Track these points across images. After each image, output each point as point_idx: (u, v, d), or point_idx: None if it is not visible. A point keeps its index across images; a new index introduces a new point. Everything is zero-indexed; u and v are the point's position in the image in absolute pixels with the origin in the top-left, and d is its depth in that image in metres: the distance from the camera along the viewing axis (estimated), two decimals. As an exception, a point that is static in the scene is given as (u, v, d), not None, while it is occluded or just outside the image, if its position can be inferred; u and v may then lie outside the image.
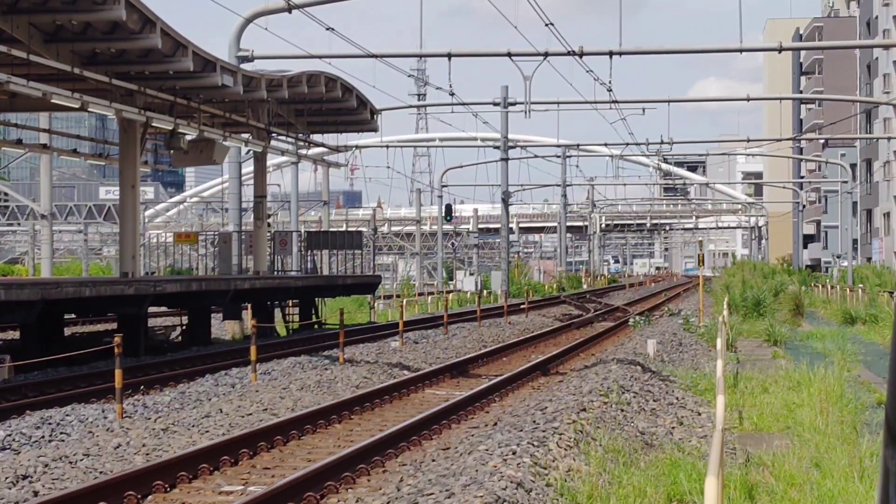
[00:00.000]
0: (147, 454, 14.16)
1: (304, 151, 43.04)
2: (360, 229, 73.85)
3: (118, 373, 17.40)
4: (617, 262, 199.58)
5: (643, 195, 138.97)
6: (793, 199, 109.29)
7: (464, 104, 46.36)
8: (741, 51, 37.23)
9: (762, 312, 38.63)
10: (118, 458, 13.84)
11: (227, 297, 32.55)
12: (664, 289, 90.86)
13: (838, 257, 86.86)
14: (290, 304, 40.25)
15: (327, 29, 30.25)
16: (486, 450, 12.83)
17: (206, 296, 31.36)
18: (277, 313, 39.44)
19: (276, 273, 42.51)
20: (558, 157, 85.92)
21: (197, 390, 20.88)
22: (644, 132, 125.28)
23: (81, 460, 13.60)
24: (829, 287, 59.21)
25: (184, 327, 33.53)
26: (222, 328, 37.96)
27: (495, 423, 16.12)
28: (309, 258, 45.31)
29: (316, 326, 39.80)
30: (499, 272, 66.40)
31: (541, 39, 35.40)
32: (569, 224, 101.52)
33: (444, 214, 79.59)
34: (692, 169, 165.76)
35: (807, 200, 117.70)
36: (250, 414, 17.54)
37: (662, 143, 60.31)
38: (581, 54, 34.97)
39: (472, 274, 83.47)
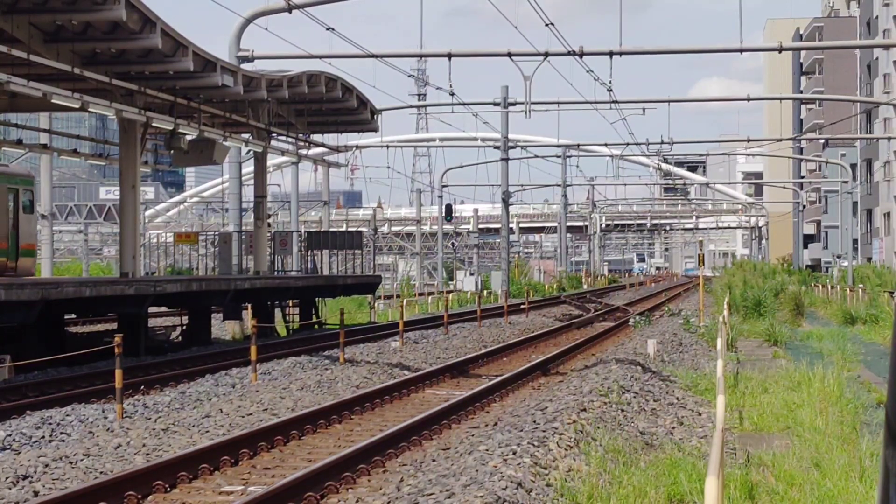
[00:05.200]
0: (147, 454, 14.16)
1: (304, 151, 43.04)
2: (360, 229, 73.84)
3: (118, 373, 17.40)
4: (642, 260, 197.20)
5: (643, 195, 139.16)
6: (793, 199, 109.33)
7: (464, 104, 46.36)
8: (741, 51, 37.25)
9: (762, 312, 38.61)
10: (118, 458, 13.84)
11: (227, 297, 32.55)
12: (664, 289, 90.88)
13: (838, 257, 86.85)
14: (291, 304, 40.24)
15: (327, 29, 30.26)
16: (487, 450, 12.83)
17: (206, 296, 31.36)
18: (277, 313, 39.44)
19: (276, 273, 42.51)
20: (558, 157, 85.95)
21: (197, 390, 20.87)
22: (644, 132, 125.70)
23: (82, 460, 13.60)
24: (829, 287, 59.20)
25: (184, 327, 33.53)
26: (222, 328, 37.96)
27: (495, 423, 16.13)
28: (309, 258, 45.30)
29: (316, 326, 39.80)
30: (499, 272, 66.42)
31: (541, 39, 35.43)
32: (569, 224, 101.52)
33: (444, 214, 79.60)
34: (692, 169, 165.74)
35: (807, 200, 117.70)
36: (250, 414, 17.54)
37: (662, 143, 60.32)
38: (581, 54, 34.98)
39: (472, 274, 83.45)
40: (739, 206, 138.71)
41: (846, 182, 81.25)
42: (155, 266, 56.96)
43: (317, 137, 42.41)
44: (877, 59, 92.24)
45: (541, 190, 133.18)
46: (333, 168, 61.21)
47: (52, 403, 18.84)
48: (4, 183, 31.66)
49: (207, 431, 15.89)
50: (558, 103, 50.65)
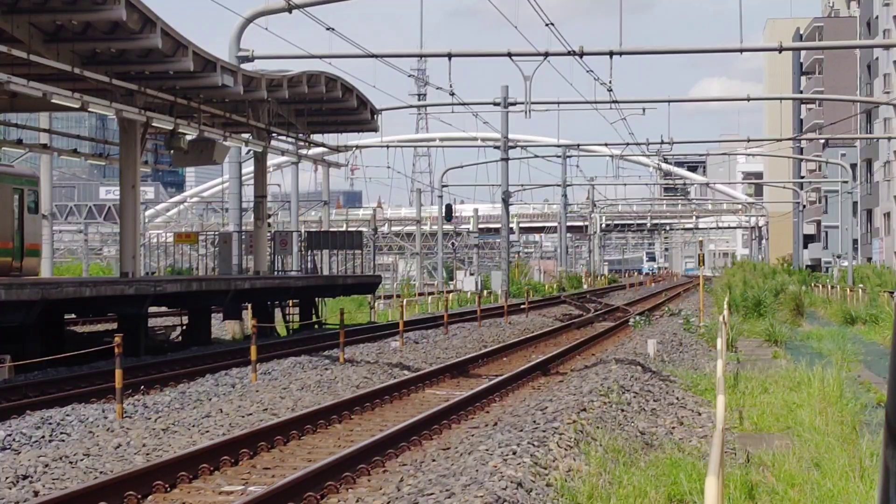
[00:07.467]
0: (147, 454, 14.16)
1: (304, 151, 43.04)
2: (360, 229, 73.82)
3: (118, 373, 17.40)
4: (652, 259, 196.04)
5: (643, 195, 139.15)
6: (793, 199, 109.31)
7: (464, 104, 46.33)
8: (741, 51, 37.27)
9: (762, 312, 38.61)
10: (118, 458, 13.84)
11: (227, 297, 32.55)
12: (664, 289, 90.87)
13: (838, 257, 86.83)
14: (291, 304, 40.24)
15: (327, 29, 30.25)
16: (487, 450, 12.83)
17: (206, 296, 31.36)
18: (277, 313, 39.44)
19: (276, 273, 42.50)
20: (558, 157, 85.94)
21: (197, 390, 20.88)
22: (644, 132, 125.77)
23: (82, 460, 13.60)
24: (829, 287, 59.20)
25: (184, 327, 33.53)
26: (222, 328, 37.96)
27: (495, 423, 16.12)
28: (309, 258, 45.30)
29: (316, 326, 39.79)
30: (499, 272, 66.38)
31: (541, 39, 35.40)
32: (569, 224, 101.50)
33: (444, 214, 79.57)
34: (692, 169, 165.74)
35: (807, 200, 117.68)
36: (250, 414, 17.54)
37: (663, 143, 60.30)
38: (581, 54, 34.96)
39: (472, 274, 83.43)
40: (739, 206, 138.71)
41: (846, 182, 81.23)
42: (155, 266, 56.97)
43: (317, 137, 42.40)
44: (877, 59, 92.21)
45: (541, 190, 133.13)
46: (333, 168, 61.20)
47: (52, 403, 18.84)
48: (10, 183, 31.73)
49: (207, 431, 15.89)
50: (558, 103, 50.65)
